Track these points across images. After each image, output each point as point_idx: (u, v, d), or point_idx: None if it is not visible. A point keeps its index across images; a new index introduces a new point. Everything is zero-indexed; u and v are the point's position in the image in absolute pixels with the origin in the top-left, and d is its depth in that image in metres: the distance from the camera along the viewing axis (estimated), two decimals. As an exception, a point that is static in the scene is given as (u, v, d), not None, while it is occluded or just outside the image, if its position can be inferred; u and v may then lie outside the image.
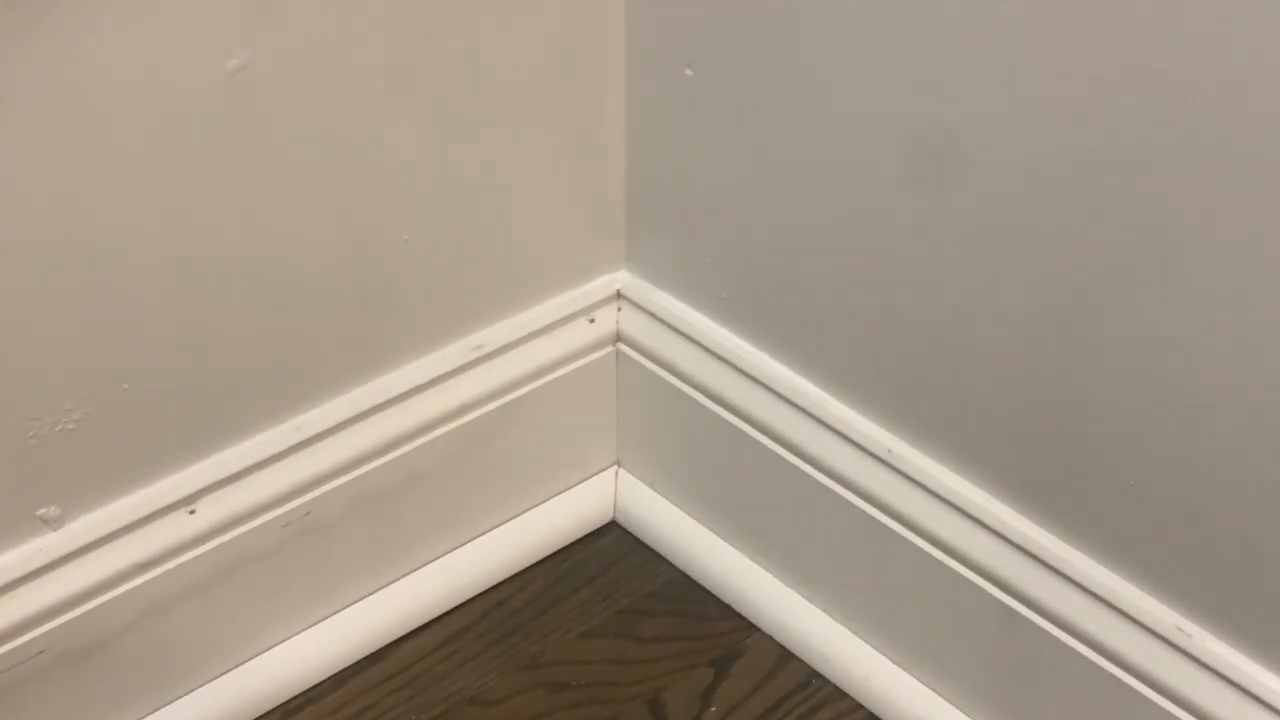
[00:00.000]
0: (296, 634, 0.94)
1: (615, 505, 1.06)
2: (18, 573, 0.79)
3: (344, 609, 0.95)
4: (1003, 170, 0.74)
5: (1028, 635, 0.83)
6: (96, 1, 0.69)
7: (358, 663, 0.96)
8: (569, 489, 1.04)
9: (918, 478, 0.86)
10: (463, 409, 0.94)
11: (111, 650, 0.84)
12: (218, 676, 0.91)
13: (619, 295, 0.99)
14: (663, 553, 1.04)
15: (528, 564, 1.02)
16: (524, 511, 1.02)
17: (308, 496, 0.89)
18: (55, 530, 0.81)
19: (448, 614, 0.99)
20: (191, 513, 0.84)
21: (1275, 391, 0.68)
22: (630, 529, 1.05)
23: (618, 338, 1.00)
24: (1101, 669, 0.80)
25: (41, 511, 0.80)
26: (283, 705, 0.93)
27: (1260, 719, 0.75)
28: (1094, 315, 0.74)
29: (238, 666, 0.92)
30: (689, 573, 1.02)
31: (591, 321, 0.99)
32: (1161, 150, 0.67)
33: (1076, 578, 0.80)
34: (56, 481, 0.79)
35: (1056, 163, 0.71)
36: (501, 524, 1.01)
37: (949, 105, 0.74)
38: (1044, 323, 0.76)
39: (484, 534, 1.01)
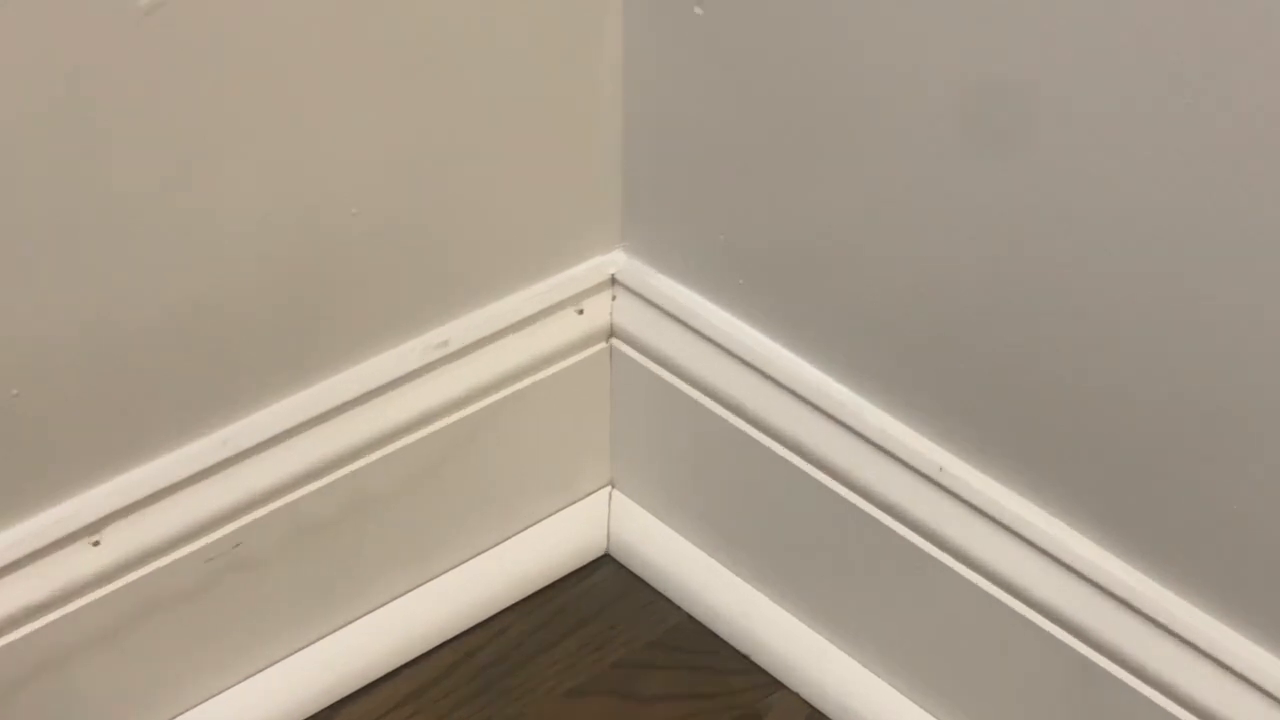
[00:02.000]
0: (223, 691, 0.91)
1: (609, 535, 1.03)
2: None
3: (280, 661, 0.93)
4: (1077, 131, 0.71)
5: (1111, 692, 0.81)
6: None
7: (298, 726, 0.94)
8: (553, 515, 1.02)
9: (975, 501, 0.84)
10: (424, 419, 0.92)
11: (0, 712, 0.83)
12: (127, 743, 0.89)
13: (613, 281, 0.97)
14: (666, 593, 1.01)
15: (503, 607, 1.00)
16: (499, 543, 1.00)
17: (236, 525, 0.87)
18: (-74, 566, 0.80)
19: (407, 667, 0.96)
20: (95, 544, 0.82)
21: None
22: (627, 564, 1.03)
23: (611, 332, 0.98)
24: (1204, 736, 0.78)
25: (-90, 543, 0.79)
26: (207, 776, 0.91)
27: None
28: (1194, 306, 0.71)
29: (152, 731, 0.90)
30: (698, 617, 1.00)
31: (580, 312, 0.96)
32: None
33: (1171, 624, 0.78)
34: (-72, 505, 0.79)
35: (1140, 119, 0.69)
36: (472, 558, 0.99)
37: (1009, 51, 0.73)
38: (1130, 315, 0.74)
39: (450, 571, 0.99)
